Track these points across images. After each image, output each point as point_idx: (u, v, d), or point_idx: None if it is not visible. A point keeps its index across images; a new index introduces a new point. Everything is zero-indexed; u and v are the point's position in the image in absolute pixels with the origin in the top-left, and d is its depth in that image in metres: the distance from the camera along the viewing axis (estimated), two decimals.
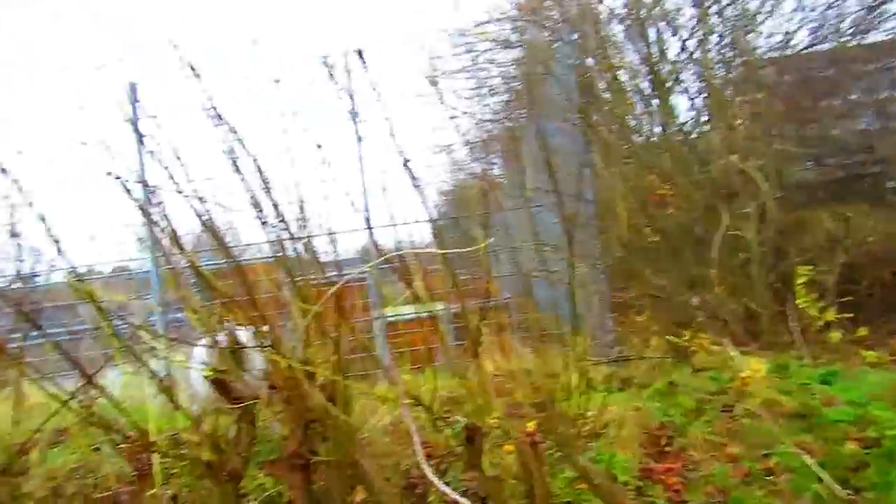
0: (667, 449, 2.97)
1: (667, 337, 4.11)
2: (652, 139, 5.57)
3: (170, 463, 2.59)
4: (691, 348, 4.00)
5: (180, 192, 2.13)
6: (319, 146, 2.30)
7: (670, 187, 4.82)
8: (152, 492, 2.09)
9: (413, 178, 2.19)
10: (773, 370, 3.44)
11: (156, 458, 2.27)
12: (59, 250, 1.92)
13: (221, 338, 2.27)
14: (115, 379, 2.80)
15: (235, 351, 2.21)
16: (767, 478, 2.61)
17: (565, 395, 2.19)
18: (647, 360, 4.04)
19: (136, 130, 2.54)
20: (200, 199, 2.17)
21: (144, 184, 2.16)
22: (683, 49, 5.42)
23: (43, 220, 1.92)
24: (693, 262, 4.75)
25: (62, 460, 2.72)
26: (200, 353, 2.50)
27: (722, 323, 4.30)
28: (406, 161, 2.18)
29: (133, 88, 4.69)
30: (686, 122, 5.56)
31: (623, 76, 5.69)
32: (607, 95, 5.85)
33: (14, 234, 2.35)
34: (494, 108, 7.84)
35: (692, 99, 5.73)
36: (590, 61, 5.81)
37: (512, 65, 7.53)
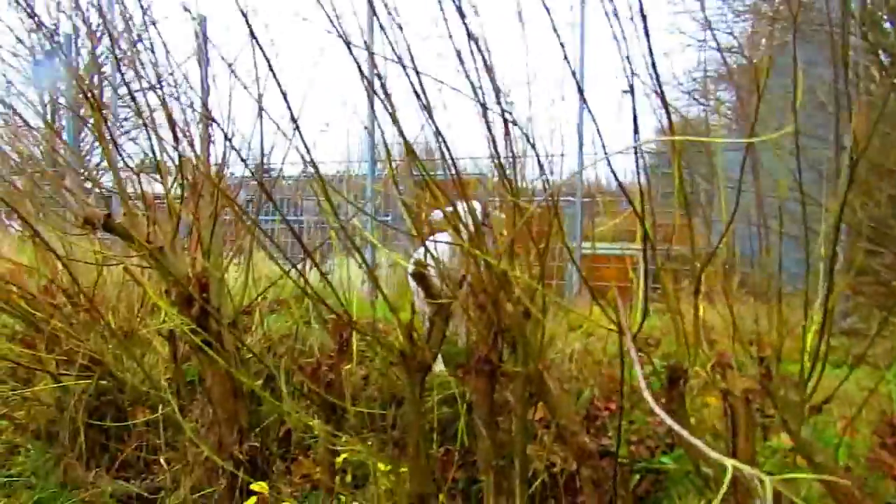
0: None
1: None
2: None
3: (367, 346, 2.76)
4: None
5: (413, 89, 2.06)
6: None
7: None
8: (348, 367, 2.22)
9: (634, 109, 1.89)
10: None
11: (355, 338, 2.41)
12: (303, 144, 1.95)
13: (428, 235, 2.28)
14: (331, 267, 3.02)
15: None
16: None
17: (795, 357, 1.87)
18: (889, 337, 3.40)
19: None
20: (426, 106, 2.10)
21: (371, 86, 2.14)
22: None
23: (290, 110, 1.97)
24: None
25: (278, 325, 3.04)
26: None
27: None
28: (631, 87, 1.89)
29: None
30: None
31: None
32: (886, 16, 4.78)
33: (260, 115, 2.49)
34: (739, 35, 6.88)
35: None
36: None
37: None
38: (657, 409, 0.88)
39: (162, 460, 2.49)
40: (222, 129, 2.17)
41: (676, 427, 0.83)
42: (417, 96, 1.99)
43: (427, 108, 1.96)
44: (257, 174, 2.67)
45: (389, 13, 1.94)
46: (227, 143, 2.26)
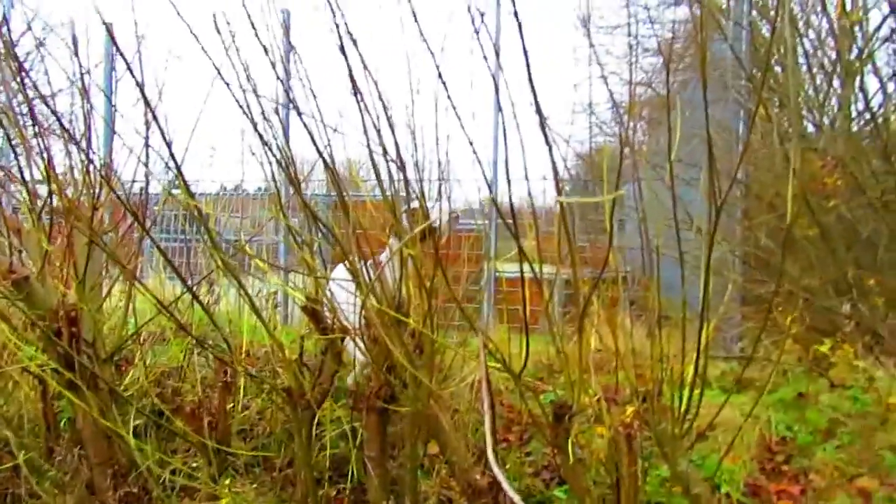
0: (784, 468, 2.61)
1: (804, 342, 3.62)
2: (827, 122, 4.83)
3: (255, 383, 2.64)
4: (831, 360, 3.49)
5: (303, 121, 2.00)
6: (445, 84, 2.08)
7: (840, 177, 4.16)
8: (231, 405, 2.10)
9: (546, 134, 1.92)
10: None
11: (241, 373, 2.30)
12: (174, 163, 1.88)
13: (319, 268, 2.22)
14: (216, 293, 2.89)
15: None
16: None
17: (675, 386, 1.92)
18: (776, 364, 3.58)
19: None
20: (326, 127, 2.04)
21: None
22: (884, 22, 4.59)
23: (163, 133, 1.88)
24: (851, 264, 4.13)
25: (167, 358, 2.87)
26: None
27: (874, 338, 3.72)
28: (542, 117, 1.91)
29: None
30: (872, 107, 4.75)
31: (805, 46, 4.94)
32: (779, 69, 5.14)
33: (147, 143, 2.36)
34: (646, 70, 7.20)
35: (883, 81, 4.89)
36: (766, 28, 5.11)
37: (674, 24, 6.85)
38: (497, 470, 0.85)
39: None
40: (81, 149, 2.03)
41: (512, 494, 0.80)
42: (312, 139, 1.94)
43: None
44: (140, 195, 2.53)
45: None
46: (98, 167, 2.12)
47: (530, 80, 1.73)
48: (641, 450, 2.33)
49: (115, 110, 1.97)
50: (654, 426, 1.89)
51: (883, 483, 2.41)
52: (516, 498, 0.76)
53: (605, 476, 2.18)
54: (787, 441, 2.72)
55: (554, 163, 1.76)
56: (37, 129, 2.16)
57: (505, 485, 0.84)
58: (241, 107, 1.76)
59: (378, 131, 1.82)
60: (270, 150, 1.85)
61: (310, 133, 1.82)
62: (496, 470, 0.85)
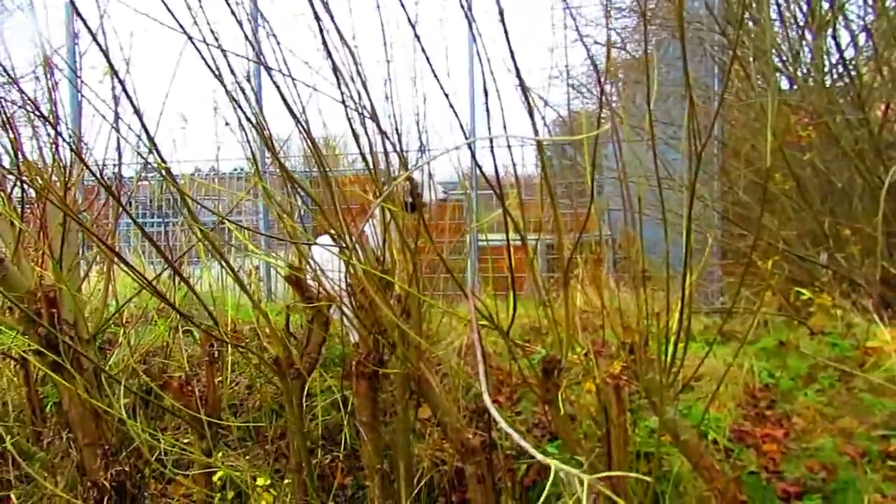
0: (767, 413, 2.68)
1: (784, 293, 3.69)
2: (801, 76, 4.85)
3: (242, 354, 2.62)
4: (810, 309, 3.57)
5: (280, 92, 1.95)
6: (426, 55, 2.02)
7: (814, 129, 4.20)
8: (219, 379, 2.09)
9: (525, 98, 1.89)
10: None
11: (228, 349, 2.29)
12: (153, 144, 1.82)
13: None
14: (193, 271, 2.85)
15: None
16: (886, 461, 2.28)
17: (660, 339, 1.95)
18: (757, 314, 3.65)
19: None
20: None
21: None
22: None
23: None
24: (827, 215, 4.19)
25: (152, 337, 2.84)
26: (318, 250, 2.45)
27: (852, 286, 3.79)
28: (521, 81, 1.88)
29: None
30: (846, 60, 4.77)
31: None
32: (752, 26, 5.13)
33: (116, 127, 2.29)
34: (621, 32, 7.14)
35: (854, 34, 4.91)
36: None
37: None
38: (494, 413, 0.86)
39: (13, 497, 2.24)
40: (49, 122, 1.97)
41: (512, 433, 0.81)
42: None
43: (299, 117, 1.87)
44: (114, 177, 2.47)
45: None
46: (72, 144, 2.06)
47: (507, 39, 1.71)
48: (630, 402, 2.38)
49: (81, 81, 1.91)
50: (642, 377, 1.92)
51: (862, 422, 2.48)
52: (511, 431, 0.77)
53: (596, 430, 2.22)
54: (769, 388, 2.79)
55: (534, 122, 1.74)
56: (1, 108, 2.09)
57: (496, 415, 0.84)
58: (212, 70, 1.71)
59: (352, 81, 1.78)
60: (244, 113, 1.80)
61: (282, 94, 1.78)
62: (489, 403, 0.85)
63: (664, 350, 1.91)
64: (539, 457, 0.77)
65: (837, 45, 4.61)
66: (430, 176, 2.78)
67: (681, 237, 1.89)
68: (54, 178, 2.22)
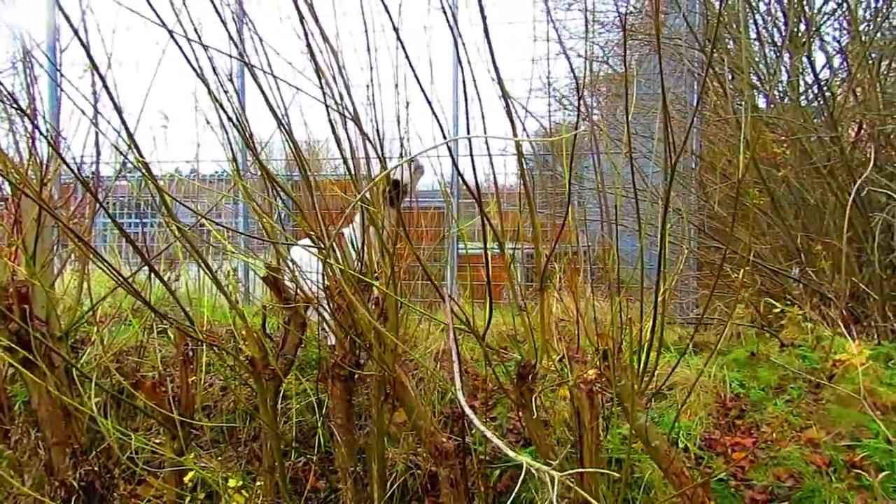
0: (737, 422, 2.72)
1: (756, 305, 3.76)
2: (777, 93, 4.97)
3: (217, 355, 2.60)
4: (781, 321, 3.64)
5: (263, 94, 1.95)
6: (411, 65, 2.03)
7: (788, 146, 4.30)
8: (193, 379, 2.08)
9: (508, 110, 1.91)
10: (874, 358, 3.06)
11: (203, 349, 2.27)
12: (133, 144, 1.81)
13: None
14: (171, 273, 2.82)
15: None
16: (852, 471, 2.33)
17: (634, 347, 1.98)
18: (729, 325, 3.71)
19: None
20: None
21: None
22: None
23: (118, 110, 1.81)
24: (799, 230, 4.29)
25: (126, 336, 2.80)
26: (298, 252, 2.44)
27: (822, 299, 3.88)
28: (503, 91, 1.91)
29: None
30: (820, 80, 4.90)
31: (756, 19, 5.05)
32: (731, 44, 5.25)
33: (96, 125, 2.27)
34: (603, 46, 7.24)
35: (829, 56, 5.05)
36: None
37: None
38: (470, 415, 0.87)
39: None
40: (31, 119, 1.95)
41: (489, 434, 0.82)
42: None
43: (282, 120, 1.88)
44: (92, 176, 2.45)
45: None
46: (50, 139, 2.04)
47: (490, 48, 1.73)
48: (603, 410, 2.40)
49: (61, 75, 1.89)
50: (615, 383, 1.94)
51: (828, 432, 2.54)
52: (483, 428, 0.78)
53: (570, 436, 2.24)
54: (740, 398, 2.83)
55: (513, 124, 1.77)
56: None
57: (470, 414, 0.86)
58: (193, 68, 1.71)
59: (334, 82, 1.79)
60: (226, 112, 1.81)
61: (264, 94, 1.79)
62: (462, 401, 0.87)
63: (637, 357, 1.94)
64: (511, 454, 0.79)
65: (812, 65, 4.73)
66: (414, 165, 2.80)
67: (657, 248, 1.93)
68: (30, 172, 2.19)
